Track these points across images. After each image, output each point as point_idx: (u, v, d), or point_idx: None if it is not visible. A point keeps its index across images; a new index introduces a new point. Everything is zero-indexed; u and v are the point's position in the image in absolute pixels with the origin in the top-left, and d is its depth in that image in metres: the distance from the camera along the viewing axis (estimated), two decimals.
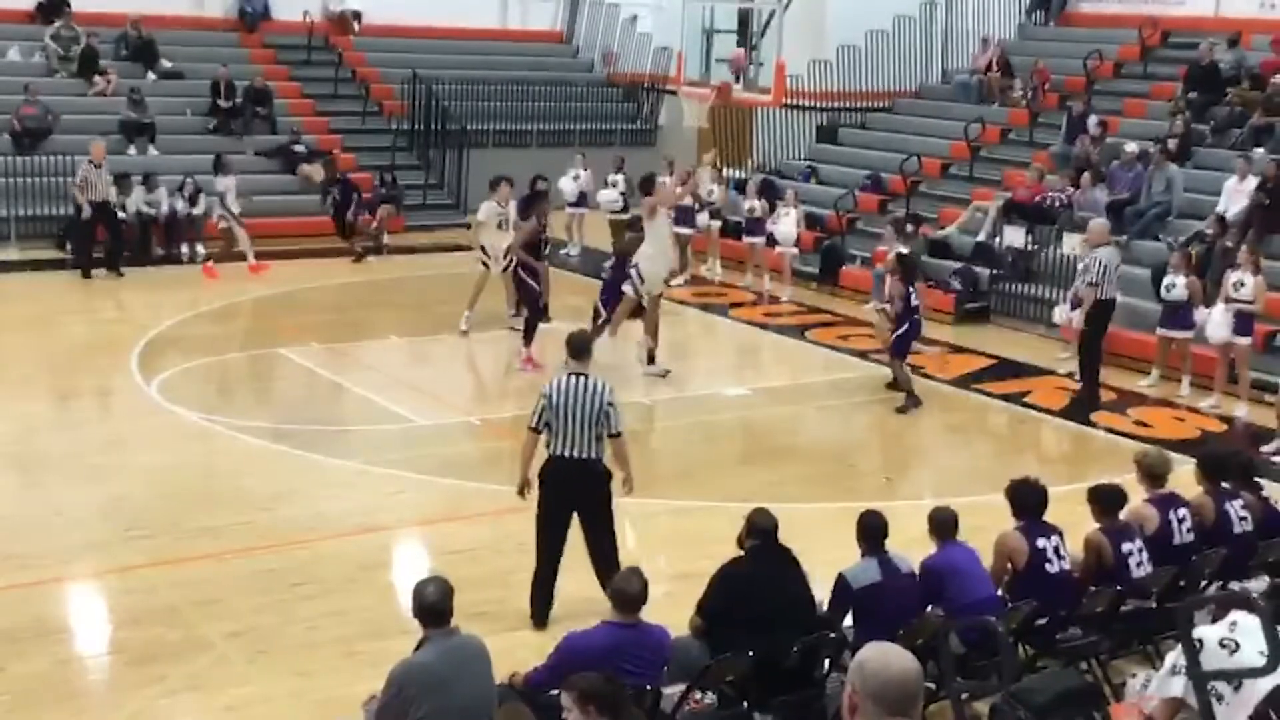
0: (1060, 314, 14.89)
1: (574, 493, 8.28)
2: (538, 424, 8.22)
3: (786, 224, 18.65)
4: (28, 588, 8.66)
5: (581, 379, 8.22)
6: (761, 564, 6.89)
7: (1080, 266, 14.12)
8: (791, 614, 6.77)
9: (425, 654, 5.86)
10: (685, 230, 19.10)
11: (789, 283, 18.63)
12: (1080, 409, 13.41)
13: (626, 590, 6.37)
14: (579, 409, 8.10)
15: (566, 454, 8.16)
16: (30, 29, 22.22)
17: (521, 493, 8.41)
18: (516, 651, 7.90)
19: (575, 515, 8.33)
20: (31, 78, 21.04)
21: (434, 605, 5.88)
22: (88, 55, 21.67)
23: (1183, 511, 7.94)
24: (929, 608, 7.12)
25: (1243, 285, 13.35)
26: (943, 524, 7.34)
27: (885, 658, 3.39)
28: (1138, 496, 8.09)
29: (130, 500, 10.19)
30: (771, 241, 18.81)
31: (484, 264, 15.36)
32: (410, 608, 6.01)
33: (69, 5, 22.33)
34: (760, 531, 6.95)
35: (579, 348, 8.54)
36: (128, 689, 7.49)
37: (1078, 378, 13.92)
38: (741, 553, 7.05)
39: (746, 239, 19.23)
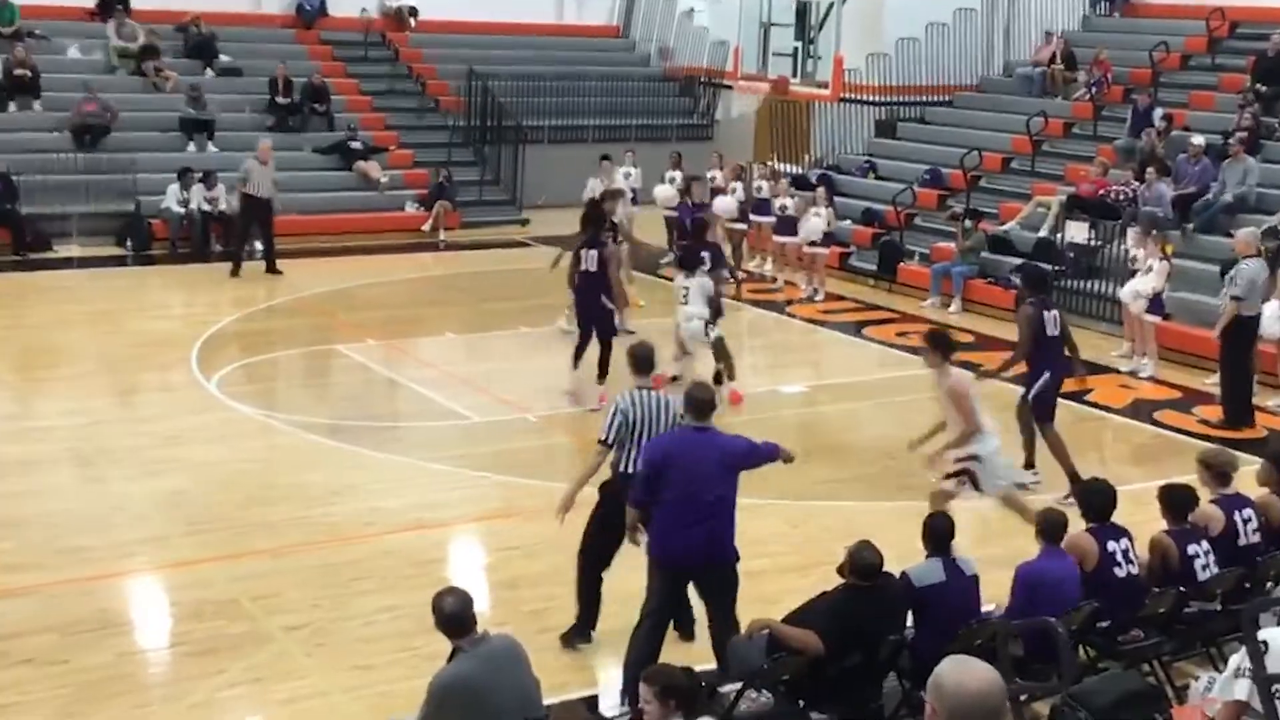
0: (1128, 291, 14.57)
1: None
2: (611, 438, 7.70)
3: (816, 223, 18.25)
4: (90, 581, 8.75)
5: (652, 394, 7.85)
6: (866, 604, 6.62)
7: (1225, 277, 13.32)
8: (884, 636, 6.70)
9: (461, 665, 5.72)
10: (740, 226, 19.04)
11: (820, 282, 18.30)
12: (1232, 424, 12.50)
13: (700, 397, 7.17)
14: (655, 425, 7.70)
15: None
16: (90, 26, 22.50)
17: (562, 515, 7.85)
18: (571, 649, 7.92)
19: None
20: (92, 75, 21.32)
21: (455, 615, 5.74)
22: (147, 51, 21.91)
23: (1248, 512, 7.79)
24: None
25: None
26: (1051, 527, 7.14)
27: (961, 675, 3.27)
28: (1203, 496, 7.94)
29: (190, 495, 10.28)
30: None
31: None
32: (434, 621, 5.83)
33: (128, 2, 22.58)
34: (866, 570, 6.61)
35: (646, 360, 8.06)
36: (188, 681, 7.55)
37: (1219, 399, 13.01)
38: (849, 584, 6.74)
39: (776, 238, 18.93)
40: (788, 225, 18.54)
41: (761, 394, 13.81)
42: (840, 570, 6.80)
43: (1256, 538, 7.75)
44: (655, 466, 7.13)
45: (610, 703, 7.47)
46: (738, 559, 7.22)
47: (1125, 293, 14.62)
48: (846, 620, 6.54)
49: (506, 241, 21.15)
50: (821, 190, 19.00)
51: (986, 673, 3.28)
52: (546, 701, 6.13)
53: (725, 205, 18.67)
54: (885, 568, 6.75)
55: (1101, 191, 17.65)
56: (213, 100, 21.62)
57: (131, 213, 19.57)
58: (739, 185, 19.23)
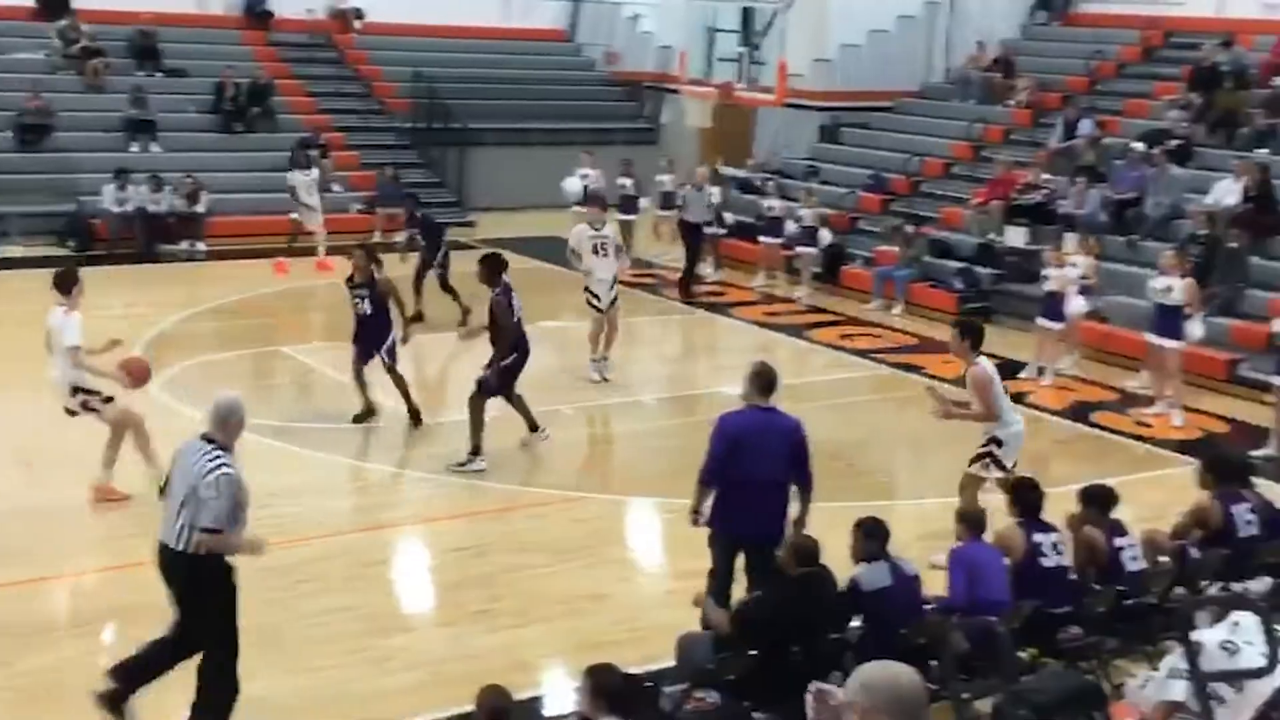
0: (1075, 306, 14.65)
1: None
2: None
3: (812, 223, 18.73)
4: (33, 584, 8.70)
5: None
6: (807, 590, 6.85)
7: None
8: (824, 633, 6.82)
9: None
10: (717, 230, 19.26)
11: (808, 283, 18.61)
12: None
13: (766, 375, 7.55)
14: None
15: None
16: (35, 26, 22.25)
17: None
18: (516, 650, 7.95)
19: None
20: (35, 75, 21.09)
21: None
22: (91, 52, 21.70)
23: (1245, 506, 8.14)
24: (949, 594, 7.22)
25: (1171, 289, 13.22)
26: (974, 521, 7.49)
27: (891, 672, 3.42)
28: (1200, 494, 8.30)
29: (135, 497, 10.19)
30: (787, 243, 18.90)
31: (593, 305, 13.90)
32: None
33: (69, 3, 22.35)
34: (807, 557, 6.91)
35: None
36: None
37: None
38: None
39: (765, 239, 19.17)
40: (775, 227, 18.98)
41: (705, 394, 13.91)
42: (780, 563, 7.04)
43: (1254, 530, 8.07)
44: (727, 444, 7.51)
45: None
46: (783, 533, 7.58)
47: (1072, 308, 14.58)
48: (787, 605, 6.73)
49: (452, 244, 21.07)
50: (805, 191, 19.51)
51: (909, 671, 3.45)
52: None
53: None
54: (833, 570, 6.88)
55: (1017, 188, 17.92)
56: (156, 101, 21.46)
57: (73, 212, 19.38)
58: (716, 190, 19.32)
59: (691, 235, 18.49)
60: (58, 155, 19.74)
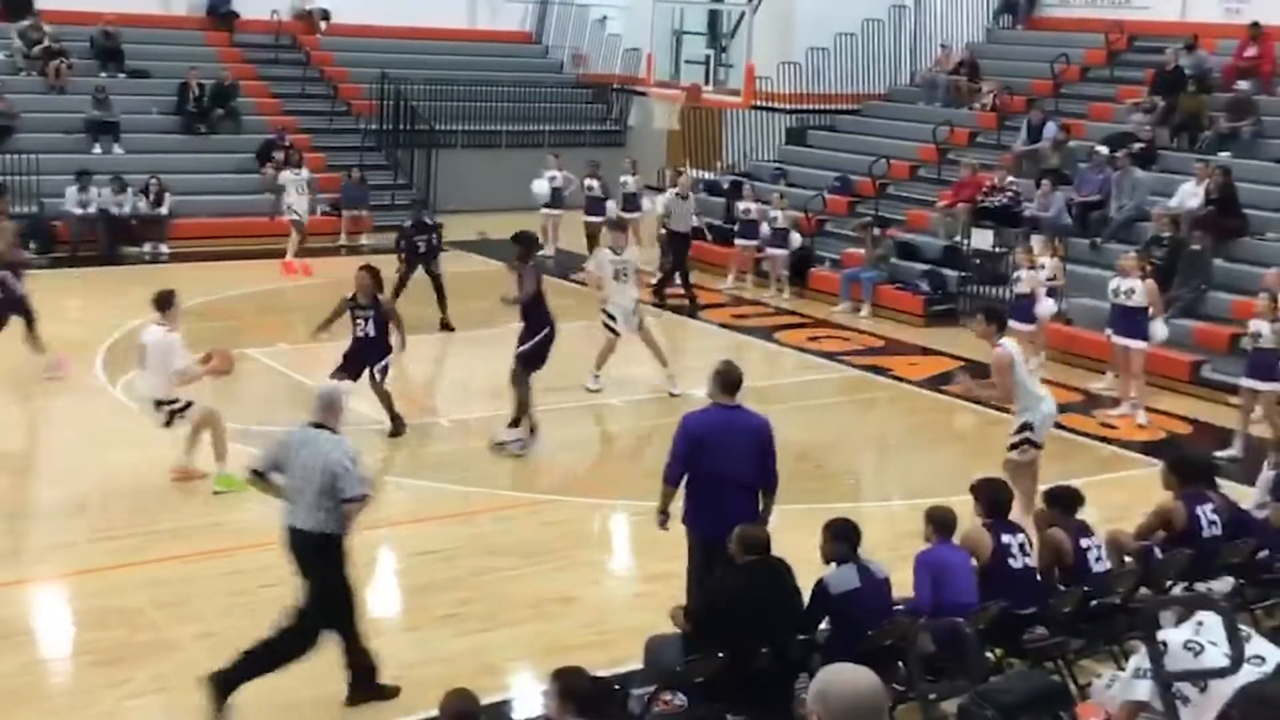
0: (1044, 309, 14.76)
1: None
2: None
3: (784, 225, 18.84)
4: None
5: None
6: (756, 579, 6.85)
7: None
8: (780, 628, 6.78)
9: None
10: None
11: (783, 285, 18.73)
12: None
13: (730, 375, 7.60)
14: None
15: None
16: None
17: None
18: (484, 653, 7.92)
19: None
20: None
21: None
22: (53, 53, 21.51)
23: (1209, 507, 8.20)
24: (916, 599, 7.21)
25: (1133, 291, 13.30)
26: (942, 523, 7.44)
27: (849, 678, 3.41)
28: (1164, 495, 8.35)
29: (96, 501, 10.11)
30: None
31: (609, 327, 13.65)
32: None
33: (32, 3, 22.16)
34: (754, 546, 6.92)
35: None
36: (93, 691, 7.45)
37: None
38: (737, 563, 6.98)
39: (741, 242, 19.19)
40: (751, 229, 19.04)
41: (674, 397, 13.90)
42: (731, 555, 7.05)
43: (1217, 531, 8.13)
44: (690, 444, 7.58)
45: None
46: None
47: (1042, 310, 14.69)
48: (735, 594, 6.77)
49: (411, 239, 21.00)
50: (777, 194, 19.56)
51: (867, 676, 3.42)
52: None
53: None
54: (798, 572, 6.88)
55: (983, 191, 18.02)
56: (119, 102, 21.30)
57: (35, 214, 19.20)
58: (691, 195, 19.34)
59: (678, 245, 18.28)
60: (19, 156, 19.52)
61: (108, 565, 9.01)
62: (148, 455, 11.20)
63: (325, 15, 25.01)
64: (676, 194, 18.65)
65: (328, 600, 7.13)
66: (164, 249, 19.53)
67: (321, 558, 7.11)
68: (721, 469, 7.54)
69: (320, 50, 24.67)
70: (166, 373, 10.29)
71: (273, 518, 9.91)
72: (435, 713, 5.57)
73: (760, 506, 7.68)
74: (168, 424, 10.44)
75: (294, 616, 7.11)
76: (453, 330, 15.88)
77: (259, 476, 7.43)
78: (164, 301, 10.47)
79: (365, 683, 7.29)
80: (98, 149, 20.75)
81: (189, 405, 10.45)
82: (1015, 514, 8.07)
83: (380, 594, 9.26)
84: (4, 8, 22.16)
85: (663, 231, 18.85)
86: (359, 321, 11.84)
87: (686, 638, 6.83)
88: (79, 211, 19.20)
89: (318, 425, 7.20)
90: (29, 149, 19.63)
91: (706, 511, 7.55)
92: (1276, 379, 12.09)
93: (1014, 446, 9.81)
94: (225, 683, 6.98)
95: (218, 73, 22.44)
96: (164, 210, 19.69)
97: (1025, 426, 9.76)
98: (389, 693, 7.32)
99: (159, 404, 10.39)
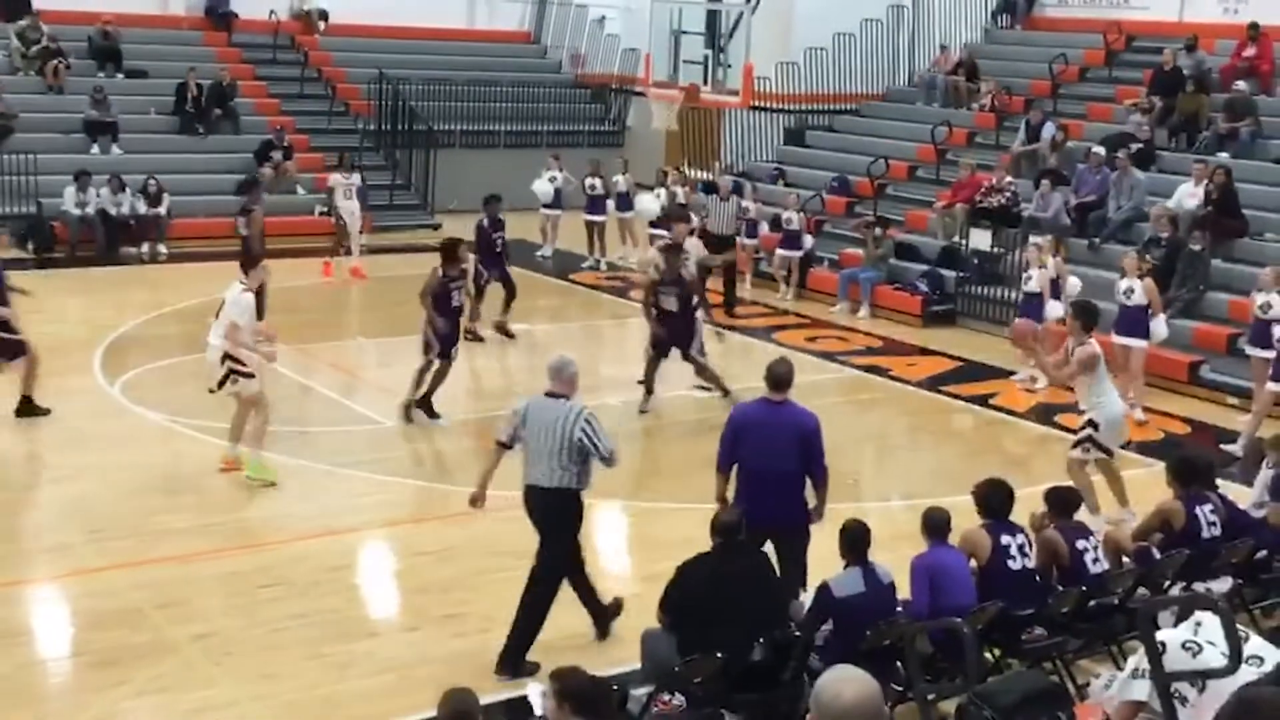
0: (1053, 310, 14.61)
1: None
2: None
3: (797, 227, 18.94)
4: None
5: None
6: (723, 561, 6.92)
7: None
8: (754, 611, 6.80)
9: None
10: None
11: (792, 286, 18.78)
12: None
13: (775, 370, 7.93)
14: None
15: None
16: None
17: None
18: (484, 654, 7.90)
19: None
20: None
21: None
22: (51, 53, 21.50)
23: (1208, 507, 8.21)
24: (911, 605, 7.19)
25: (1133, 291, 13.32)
26: (936, 525, 7.42)
27: (838, 684, 3.38)
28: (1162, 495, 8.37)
29: (94, 502, 10.10)
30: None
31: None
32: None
33: (31, 4, 22.14)
34: (723, 529, 6.99)
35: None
36: (91, 692, 7.43)
37: None
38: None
39: (743, 242, 18.95)
40: (752, 229, 19.05)
41: (672, 398, 13.89)
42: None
43: (1217, 531, 8.14)
44: (733, 434, 7.96)
45: None
46: (807, 521, 7.95)
47: (1050, 311, 14.47)
48: (698, 575, 6.84)
49: (418, 246, 21.00)
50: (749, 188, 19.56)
51: (864, 682, 3.39)
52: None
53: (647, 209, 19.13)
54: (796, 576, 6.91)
55: (981, 191, 18.01)
56: (118, 102, 21.29)
57: (33, 215, 19.20)
58: (749, 202, 19.31)
59: (721, 249, 17.29)
60: (17, 157, 19.52)
61: (106, 565, 9.00)
62: (144, 455, 11.21)
63: (323, 15, 25.01)
64: (718, 198, 18.44)
65: (563, 549, 7.68)
66: (162, 249, 19.52)
67: (558, 512, 7.67)
68: (760, 461, 7.84)
69: (318, 50, 24.67)
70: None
71: (273, 518, 9.97)
72: (431, 713, 5.56)
73: (814, 500, 7.97)
74: (220, 385, 10.55)
75: (537, 570, 7.66)
76: (513, 337, 15.60)
77: (501, 448, 7.89)
78: (247, 264, 10.97)
79: (601, 617, 7.99)
80: (96, 149, 20.75)
81: (250, 376, 10.51)
82: (1082, 514, 8.18)
83: (377, 594, 9.27)
84: (2, 8, 22.16)
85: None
86: (453, 293, 12.44)
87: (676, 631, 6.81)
88: (77, 212, 19.19)
89: (554, 394, 7.68)
90: (27, 149, 19.62)
91: (747, 501, 7.78)
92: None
93: (1077, 444, 9.94)
94: (513, 657, 7.55)
95: (216, 73, 22.44)
96: (162, 210, 19.67)
97: (1090, 424, 9.89)
98: (614, 610, 8.05)
99: (225, 358, 10.46)
